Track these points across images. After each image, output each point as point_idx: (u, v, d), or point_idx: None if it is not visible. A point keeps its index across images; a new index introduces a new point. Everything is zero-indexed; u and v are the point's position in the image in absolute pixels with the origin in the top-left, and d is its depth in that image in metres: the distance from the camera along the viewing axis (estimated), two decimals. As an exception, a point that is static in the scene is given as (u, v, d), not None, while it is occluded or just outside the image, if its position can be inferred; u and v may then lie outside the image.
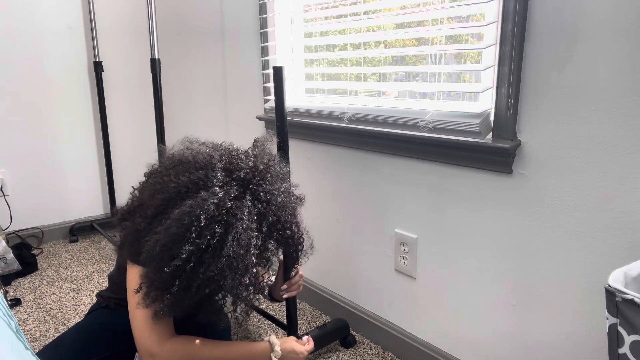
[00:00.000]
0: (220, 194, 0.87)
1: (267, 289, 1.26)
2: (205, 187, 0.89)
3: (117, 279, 1.19)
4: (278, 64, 1.81)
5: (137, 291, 0.93)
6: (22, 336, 0.77)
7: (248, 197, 0.91)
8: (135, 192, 1.01)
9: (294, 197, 1.03)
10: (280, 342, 1.12)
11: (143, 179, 1.02)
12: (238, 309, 0.93)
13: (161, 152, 1.05)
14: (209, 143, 1.04)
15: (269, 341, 1.12)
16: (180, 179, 0.90)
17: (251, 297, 0.91)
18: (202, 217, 0.83)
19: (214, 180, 0.90)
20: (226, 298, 0.92)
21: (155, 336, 0.96)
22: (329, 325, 1.52)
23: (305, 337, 1.24)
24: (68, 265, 2.21)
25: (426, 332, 1.45)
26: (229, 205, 0.86)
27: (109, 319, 1.19)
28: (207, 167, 0.92)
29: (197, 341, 1.01)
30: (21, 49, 2.27)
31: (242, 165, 0.94)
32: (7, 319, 0.77)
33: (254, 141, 1.07)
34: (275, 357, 1.09)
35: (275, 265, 1.29)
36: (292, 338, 1.19)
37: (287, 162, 1.23)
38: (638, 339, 0.69)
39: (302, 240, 1.03)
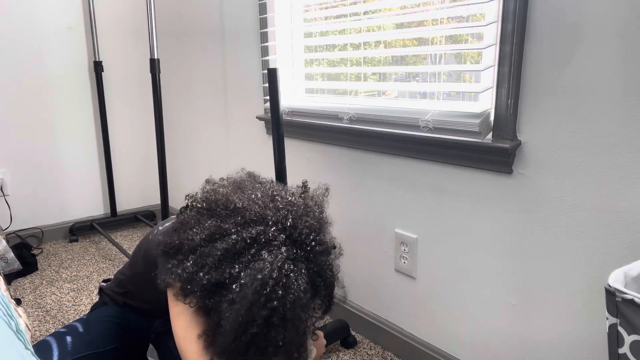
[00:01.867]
0: (283, 256, 0.85)
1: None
2: (264, 245, 0.87)
3: (133, 279, 1.17)
4: (278, 64, 1.81)
5: (202, 340, 0.91)
6: (21, 336, 0.77)
7: (302, 258, 0.90)
8: (178, 224, 0.95)
9: (336, 249, 1.00)
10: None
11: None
12: None
13: (208, 182, 1.00)
14: (264, 183, 1.00)
15: None
16: (239, 230, 0.88)
17: (303, 354, 0.91)
18: (270, 282, 0.82)
19: (272, 239, 0.88)
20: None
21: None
22: (329, 326, 1.52)
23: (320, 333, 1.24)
24: (68, 265, 2.21)
25: (426, 332, 1.45)
26: (289, 268, 0.85)
27: (117, 313, 1.19)
28: (264, 223, 0.90)
29: None
30: (21, 49, 2.27)
31: (298, 225, 0.91)
32: (7, 318, 0.77)
33: (303, 187, 1.03)
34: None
35: None
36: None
37: (284, 160, 1.22)
38: (638, 339, 0.69)
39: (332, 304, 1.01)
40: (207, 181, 0.99)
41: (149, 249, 1.07)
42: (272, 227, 0.89)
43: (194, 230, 0.91)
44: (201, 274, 0.87)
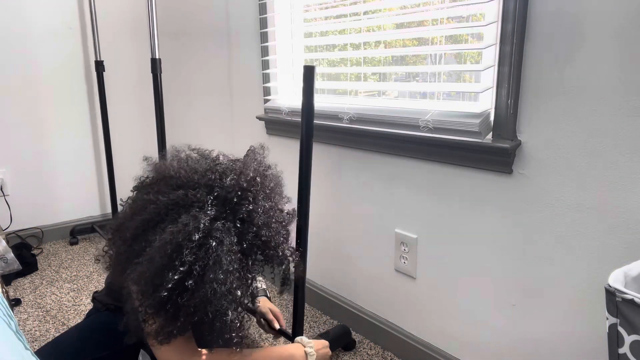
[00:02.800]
0: (201, 217, 0.84)
1: (257, 308, 1.25)
2: (185, 208, 0.86)
3: (117, 288, 1.18)
4: (278, 64, 1.81)
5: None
6: (21, 336, 0.77)
7: (230, 217, 0.88)
8: (124, 206, 0.97)
9: (284, 213, 1.00)
10: (314, 343, 1.11)
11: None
12: (230, 332, 0.89)
13: (148, 162, 1.01)
14: (197, 150, 1.00)
15: (301, 342, 1.10)
16: (160, 198, 0.87)
17: (239, 319, 0.89)
18: (184, 245, 0.81)
19: (194, 201, 0.87)
20: (215, 323, 0.88)
21: (178, 356, 0.94)
22: (332, 333, 1.52)
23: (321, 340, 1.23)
24: (68, 266, 2.21)
25: (426, 332, 1.45)
26: (210, 228, 0.84)
27: (109, 319, 1.19)
28: (188, 186, 0.89)
29: (225, 351, 0.98)
30: (21, 49, 2.27)
31: (224, 182, 0.91)
32: (7, 319, 0.77)
33: (248, 150, 1.03)
34: (311, 357, 1.07)
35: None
36: (323, 341, 1.17)
37: (309, 169, 1.20)
38: (638, 339, 0.69)
39: (290, 260, 1.00)
40: (145, 159, 0.98)
41: None
42: (197, 190, 0.88)
43: (125, 207, 0.93)
44: (123, 247, 0.88)
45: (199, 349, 0.99)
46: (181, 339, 0.95)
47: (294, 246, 1.05)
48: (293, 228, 1.08)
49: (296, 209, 1.08)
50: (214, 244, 0.83)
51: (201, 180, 0.91)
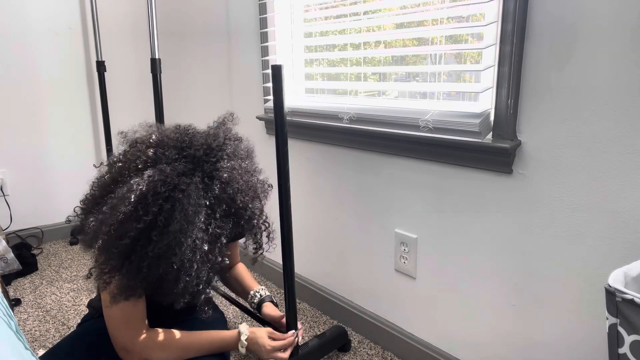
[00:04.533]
0: (167, 170, 0.86)
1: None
2: (153, 165, 0.89)
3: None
4: (277, 64, 1.81)
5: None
6: (21, 336, 0.77)
7: (198, 174, 0.90)
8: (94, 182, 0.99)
9: (256, 179, 1.01)
10: (250, 331, 1.09)
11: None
12: (194, 288, 0.90)
13: (122, 135, 1.02)
14: (171, 125, 1.03)
15: (239, 330, 1.10)
16: (129, 158, 0.90)
17: (204, 275, 0.89)
18: (149, 195, 0.83)
19: (163, 158, 0.89)
20: (185, 279, 0.88)
21: (128, 331, 0.96)
22: (329, 334, 1.52)
23: (291, 332, 1.17)
24: (68, 265, 2.21)
25: (426, 332, 1.45)
26: (176, 182, 0.85)
27: (103, 324, 1.19)
28: (158, 146, 0.91)
29: (171, 331, 1.01)
30: (21, 49, 2.27)
31: (194, 142, 0.93)
32: (7, 319, 0.77)
33: (217, 119, 1.06)
34: (241, 347, 1.07)
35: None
36: (267, 329, 1.14)
37: (287, 163, 1.22)
38: (638, 339, 0.69)
39: (263, 227, 1.02)
40: (119, 133, 1.00)
41: None
42: (164, 149, 0.90)
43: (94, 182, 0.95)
44: (92, 208, 0.89)
45: (145, 324, 1.00)
46: (133, 307, 0.95)
47: (268, 221, 1.05)
48: (273, 207, 1.08)
49: (271, 184, 1.10)
50: (179, 196, 0.84)
51: (170, 143, 0.93)
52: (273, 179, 1.14)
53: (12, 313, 0.87)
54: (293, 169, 1.81)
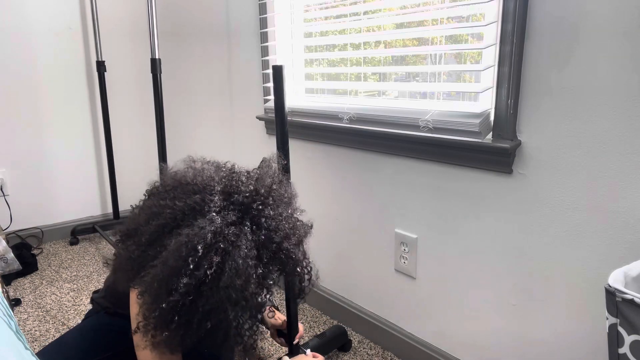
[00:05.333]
0: (218, 221, 0.82)
1: (268, 321, 1.24)
2: (202, 213, 0.85)
3: (116, 294, 1.16)
4: (278, 64, 1.81)
5: (135, 332, 0.87)
6: (21, 336, 0.77)
7: (247, 222, 0.86)
8: (135, 211, 0.95)
9: (300, 223, 0.97)
10: None
11: (145, 186, 0.97)
12: (243, 342, 0.87)
13: (162, 170, 0.99)
14: (213, 162, 0.99)
15: None
16: (177, 203, 0.86)
17: (254, 328, 0.87)
18: (200, 247, 0.79)
19: (212, 205, 0.85)
20: (229, 332, 0.85)
21: None
22: (328, 333, 1.52)
23: (309, 353, 1.21)
24: (68, 265, 2.21)
25: (426, 332, 1.45)
26: (227, 232, 0.82)
27: (109, 320, 1.19)
28: (205, 191, 0.88)
29: None
30: (21, 49, 2.27)
31: (242, 188, 0.89)
32: (7, 319, 0.77)
33: (261, 161, 1.01)
34: None
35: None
36: (302, 356, 1.17)
37: (288, 164, 1.22)
38: (638, 339, 0.69)
39: (306, 271, 0.97)
40: (160, 167, 0.97)
41: None
42: (213, 195, 0.86)
43: (137, 212, 0.90)
44: (137, 251, 0.85)
45: None
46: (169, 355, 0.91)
47: (311, 265, 1.02)
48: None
49: (312, 224, 1.05)
50: (230, 248, 0.81)
51: (218, 187, 0.89)
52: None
53: (12, 313, 0.87)
54: (293, 169, 1.81)
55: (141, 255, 0.86)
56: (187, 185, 0.89)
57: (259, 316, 0.88)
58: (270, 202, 0.90)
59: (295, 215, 0.96)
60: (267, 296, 0.90)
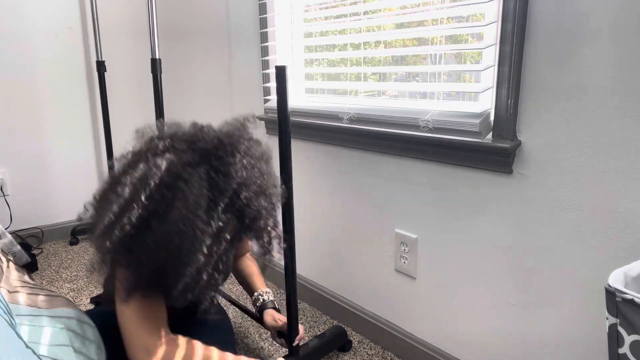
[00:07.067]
0: (175, 160, 0.86)
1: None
2: (160, 154, 0.89)
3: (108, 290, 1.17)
4: (279, 64, 1.81)
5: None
6: (22, 335, 0.77)
7: (205, 166, 0.88)
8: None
9: (268, 178, 0.98)
10: None
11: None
12: (193, 288, 0.87)
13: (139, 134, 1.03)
14: (189, 123, 1.02)
15: None
16: (140, 150, 0.90)
17: (205, 277, 0.87)
18: (152, 182, 0.82)
19: (171, 150, 0.89)
20: (187, 273, 0.85)
21: (141, 331, 0.91)
22: (328, 333, 1.52)
23: None
24: (68, 265, 2.21)
25: (426, 332, 1.45)
26: (181, 170, 0.85)
27: (109, 313, 1.20)
28: (170, 138, 0.92)
29: (193, 345, 0.95)
30: (21, 49, 2.27)
31: (206, 138, 0.92)
32: (8, 317, 0.77)
33: (233, 118, 1.04)
34: None
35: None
36: None
37: (290, 164, 1.22)
38: (638, 339, 0.69)
39: (269, 227, 0.97)
40: (136, 130, 0.99)
41: None
42: (176, 141, 0.91)
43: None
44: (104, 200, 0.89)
45: (163, 329, 0.94)
46: (148, 307, 0.92)
47: (279, 226, 1.02)
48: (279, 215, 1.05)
49: (284, 186, 1.08)
50: (183, 185, 0.83)
51: (183, 137, 0.93)
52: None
53: (12, 311, 0.87)
54: (293, 169, 1.81)
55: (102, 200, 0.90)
56: (155, 138, 0.93)
57: (212, 268, 0.88)
58: (234, 152, 0.92)
59: (263, 173, 0.97)
60: (224, 242, 0.89)
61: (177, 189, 0.83)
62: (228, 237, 0.90)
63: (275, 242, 1.01)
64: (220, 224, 0.88)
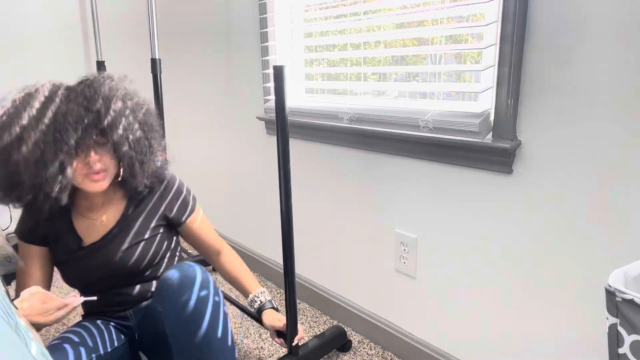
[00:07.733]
0: (46, 90, 1.05)
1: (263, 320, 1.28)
2: (39, 90, 1.06)
3: None
4: (279, 64, 1.81)
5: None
6: (22, 335, 0.77)
7: (73, 93, 1.07)
8: None
9: (129, 99, 1.18)
10: None
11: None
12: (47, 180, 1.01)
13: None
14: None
15: None
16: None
17: (52, 179, 1.00)
18: (32, 101, 1.01)
19: (45, 88, 1.06)
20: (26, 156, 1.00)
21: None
22: (328, 334, 1.52)
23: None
24: (68, 265, 2.21)
25: (426, 332, 1.45)
26: (52, 93, 1.04)
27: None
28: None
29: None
30: (21, 49, 2.27)
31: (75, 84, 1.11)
32: (7, 317, 0.77)
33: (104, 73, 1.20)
34: None
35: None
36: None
37: (288, 163, 1.22)
38: (638, 339, 0.69)
39: (126, 137, 1.07)
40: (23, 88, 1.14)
41: None
42: (50, 85, 1.09)
43: None
44: None
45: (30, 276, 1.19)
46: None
47: (145, 143, 1.15)
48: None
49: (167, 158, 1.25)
50: (29, 99, 1.01)
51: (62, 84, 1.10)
52: (274, 179, 1.14)
53: (13, 312, 0.87)
54: (293, 169, 1.81)
55: None
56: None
57: (58, 169, 1.02)
58: (95, 84, 1.13)
59: (138, 116, 1.16)
60: (66, 151, 1.01)
61: (26, 104, 1.01)
62: (71, 144, 1.01)
63: (137, 166, 1.09)
64: (64, 108, 1.03)
